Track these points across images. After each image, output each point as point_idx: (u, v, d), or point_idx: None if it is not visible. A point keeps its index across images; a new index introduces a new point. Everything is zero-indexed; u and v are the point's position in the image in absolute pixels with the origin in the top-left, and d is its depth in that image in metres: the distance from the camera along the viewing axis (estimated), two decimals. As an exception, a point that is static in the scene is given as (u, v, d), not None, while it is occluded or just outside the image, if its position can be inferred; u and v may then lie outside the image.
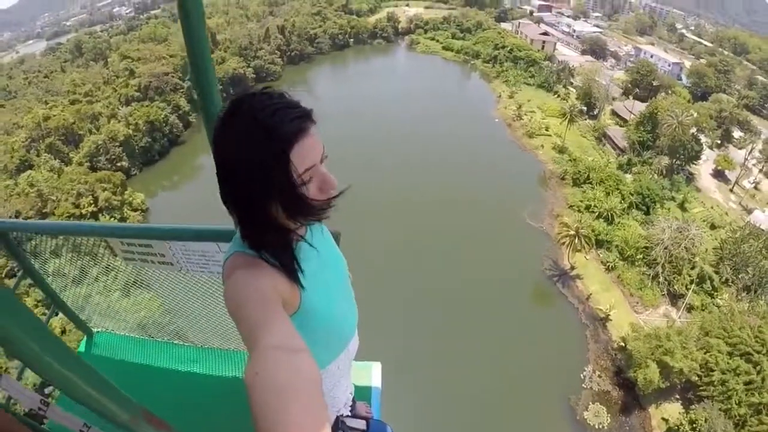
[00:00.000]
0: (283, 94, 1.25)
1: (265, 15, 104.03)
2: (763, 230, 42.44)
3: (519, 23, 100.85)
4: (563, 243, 39.33)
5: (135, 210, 47.20)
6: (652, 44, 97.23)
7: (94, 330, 4.46)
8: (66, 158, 54.83)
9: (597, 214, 43.47)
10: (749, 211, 49.42)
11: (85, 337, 4.44)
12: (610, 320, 34.53)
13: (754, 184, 54.71)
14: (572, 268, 39.10)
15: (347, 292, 1.76)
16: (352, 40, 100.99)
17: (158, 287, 3.69)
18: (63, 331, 29.60)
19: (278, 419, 0.73)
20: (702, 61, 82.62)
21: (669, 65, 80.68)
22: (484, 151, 55.07)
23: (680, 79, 77.42)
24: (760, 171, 55.77)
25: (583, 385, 31.33)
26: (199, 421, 3.54)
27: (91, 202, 45.07)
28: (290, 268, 1.35)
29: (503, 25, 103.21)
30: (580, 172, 49.29)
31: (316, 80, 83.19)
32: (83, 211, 43.44)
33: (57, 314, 4.30)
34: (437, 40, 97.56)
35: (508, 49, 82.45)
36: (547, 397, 30.14)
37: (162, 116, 62.58)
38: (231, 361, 4.02)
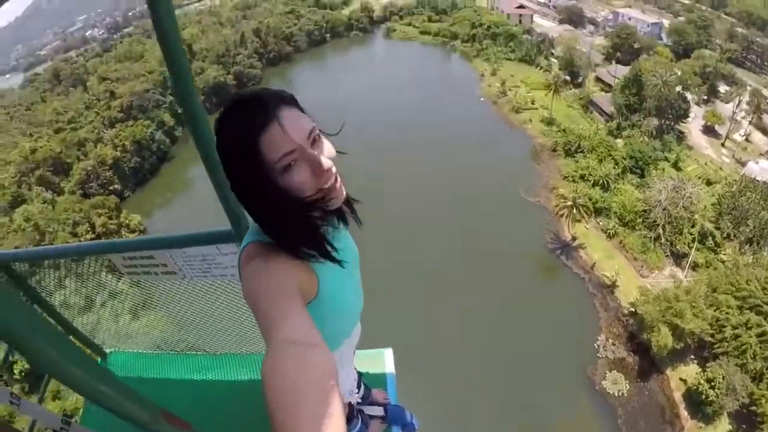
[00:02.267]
0: (255, 91, 1.27)
1: (239, 20, 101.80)
2: (758, 181, 42.36)
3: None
4: (562, 215, 39.33)
5: (132, 232, 46.79)
6: (629, 6, 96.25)
7: (108, 351, 4.43)
8: (58, 188, 54.90)
9: (592, 182, 43.33)
10: (743, 164, 49.17)
11: (98, 360, 4.38)
12: (618, 287, 34.45)
13: (744, 137, 54.52)
14: (574, 238, 38.97)
15: (357, 278, 1.70)
16: (328, 34, 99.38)
17: (166, 303, 3.73)
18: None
19: (292, 417, 0.73)
20: (681, 18, 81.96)
21: (648, 26, 80.00)
22: (472, 131, 54.57)
23: (661, 39, 76.86)
24: (750, 123, 55.39)
25: (598, 354, 31.22)
26: (220, 427, 3.52)
27: (88, 229, 45.07)
28: (324, 252, 1.35)
29: (478, 2, 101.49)
30: (570, 142, 49.16)
31: (298, 79, 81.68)
32: (81, 240, 43.02)
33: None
34: (414, 26, 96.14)
35: (486, 26, 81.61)
36: (563, 370, 29.99)
37: (148, 134, 62.24)
38: (246, 365, 3.99)
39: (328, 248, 1.37)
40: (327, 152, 1.29)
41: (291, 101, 1.30)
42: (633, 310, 32.10)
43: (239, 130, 1.21)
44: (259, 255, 1.28)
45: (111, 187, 55.08)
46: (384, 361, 3.44)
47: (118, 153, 57.71)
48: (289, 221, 1.29)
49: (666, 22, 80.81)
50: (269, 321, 1.02)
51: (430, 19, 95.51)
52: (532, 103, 58.95)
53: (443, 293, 33.90)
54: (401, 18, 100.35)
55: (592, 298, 34.17)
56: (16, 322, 0.99)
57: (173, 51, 1.92)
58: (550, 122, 54.63)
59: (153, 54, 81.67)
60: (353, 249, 1.68)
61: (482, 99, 63.74)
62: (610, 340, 31.94)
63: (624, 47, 70.11)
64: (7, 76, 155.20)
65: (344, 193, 1.36)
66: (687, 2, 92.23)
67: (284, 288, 1.15)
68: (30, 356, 1.04)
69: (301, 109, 1.32)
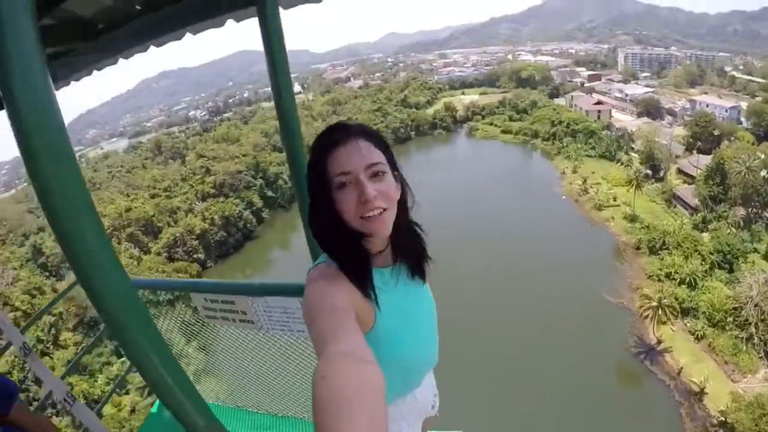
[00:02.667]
0: (346, 121, 1.50)
1: (329, 114, 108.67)
2: None
3: (572, 96, 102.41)
4: (646, 316, 38.51)
5: (208, 300, 50.69)
6: (705, 93, 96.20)
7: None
8: (145, 247, 60.04)
9: (678, 280, 42.21)
10: (839, 250, 46.33)
11: (158, 400, 4.35)
12: (706, 393, 32.41)
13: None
14: (659, 342, 37.70)
15: (429, 332, 1.74)
16: (413, 132, 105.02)
17: (234, 356, 3.88)
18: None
19: (337, 425, 0.74)
20: (758, 99, 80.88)
21: (726, 111, 79.58)
22: (553, 230, 55.23)
23: (740, 123, 76.15)
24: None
25: (682, 471, 28.75)
26: None
27: (168, 291, 48.88)
28: (363, 283, 1.40)
29: (557, 100, 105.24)
30: (654, 239, 48.54)
31: None
32: (160, 299, 47.24)
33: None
34: (495, 125, 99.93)
35: (565, 124, 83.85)
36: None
37: (236, 212, 67.40)
38: (307, 430, 3.94)
39: (367, 282, 1.42)
40: (385, 189, 1.39)
41: (372, 136, 1.43)
42: (723, 419, 30.10)
43: (319, 144, 1.40)
44: (324, 277, 1.38)
45: (195, 255, 59.56)
46: None
47: (206, 225, 62.57)
48: (339, 240, 1.42)
49: (744, 105, 79.86)
50: (323, 337, 1.09)
51: (510, 119, 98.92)
52: (614, 200, 59.25)
53: (514, 392, 33.28)
54: (483, 117, 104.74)
55: (678, 406, 32.30)
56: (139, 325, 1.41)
57: (290, 128, 2.32)
58: (632, 219, 54.38)
59: (248, 138, 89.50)
60: (427, 304, 1.76)
61: (563, 197, 64.64)
62: (696, 455, 29.51)
63: (704, 135, 69.78)
64: (114, 139, 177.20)
65: (386, 230, 1.41)
66: (762, 81, 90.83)
67: (342, 309, 1.22)
68: (126, 347, 1.39)
69: (383, 149, 1.45)
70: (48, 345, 41.13)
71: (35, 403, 3.99)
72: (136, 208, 64.38)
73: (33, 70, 1.19)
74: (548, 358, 36.33)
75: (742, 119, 77.41)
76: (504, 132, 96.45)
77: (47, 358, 39.45)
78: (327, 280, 1.36)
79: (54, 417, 28.80)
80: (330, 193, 1.36)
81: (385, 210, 1.39)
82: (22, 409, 2.14)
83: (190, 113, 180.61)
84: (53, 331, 41.39)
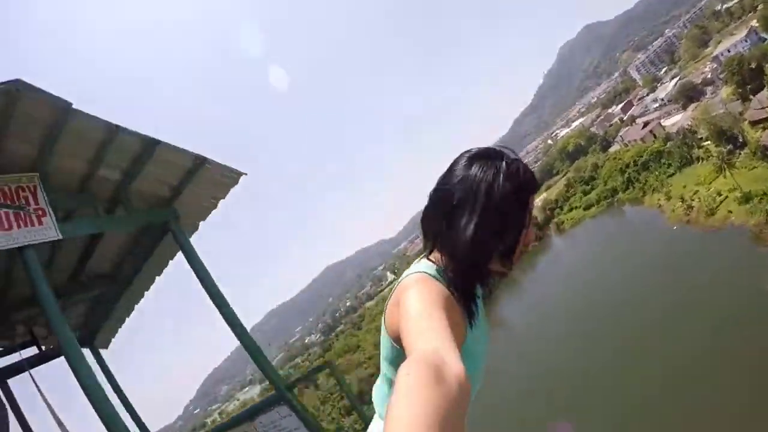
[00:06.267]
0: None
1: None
2: None
3: (621, 136, 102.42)
4: None
5: None
6: (719, 42, 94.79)
7: None
8: None
9: None
10: None
11: None
12: None
13: None
14: None
15: (485, 359, 1.67)
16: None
17: None
18: None
19: (411, 416, 0.65)
20: None
21: (746, 41, 77.90)
22: (685, 263, 48.87)
23: (764, 40, 73.58)
24: None
25: None
26: None
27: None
28: (471, 304, 1.41)
29: (612, 149, 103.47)
30: None
31: (509, 309, 76.41)
32: None
33: None
34: (575, 207, 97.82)
35: (632, 162, 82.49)
36: None
37: None
38: None
39: (474, 305, 1.43)
40: None
41: None
42: None
43: (527, 184, 1.42)
44: (429, 282, 1.32)
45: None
46: None
47: (337, 439, 62.38)
48: (485, 260, 1.41)
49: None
50: (419, 330, 1.03)
51: (584, 192, 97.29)
52: (719, 195, 55.37)
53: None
54: (561, 208, 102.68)
55: None
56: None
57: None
58: (747, 198, 49.78)
59: (366, 341, 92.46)
60: (487, 329, 1.70)
61: (675, 227, 59.89)
62: None
63: (744, 78, 67.07)
64: (246, 388, 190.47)
65: None
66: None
67: (440, 312, 1.12)
68: None
69: None
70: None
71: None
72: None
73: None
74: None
75: (765, 36, 75.01)
76: (587, 208, 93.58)
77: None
78: (433, 285, 1.31)
79: None
80: (529, 223, 1.46)
81: None
82: None
83: (305, 340, 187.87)
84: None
